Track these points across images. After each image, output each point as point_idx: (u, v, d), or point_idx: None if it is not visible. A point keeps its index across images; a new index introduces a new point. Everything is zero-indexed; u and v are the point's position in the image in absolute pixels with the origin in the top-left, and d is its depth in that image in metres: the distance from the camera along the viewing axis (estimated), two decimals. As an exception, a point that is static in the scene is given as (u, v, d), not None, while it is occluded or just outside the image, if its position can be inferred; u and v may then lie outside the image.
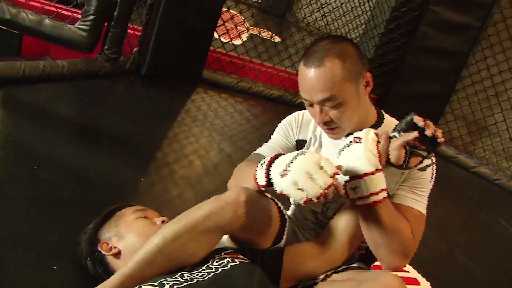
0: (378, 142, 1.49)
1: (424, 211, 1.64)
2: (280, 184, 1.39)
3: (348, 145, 1.49)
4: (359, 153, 1.46)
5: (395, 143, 1.48)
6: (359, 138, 1.48)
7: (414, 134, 1.44)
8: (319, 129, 1.76)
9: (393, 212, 1.53)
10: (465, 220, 3.73)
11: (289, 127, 1.82)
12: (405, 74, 4.61)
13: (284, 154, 1.47)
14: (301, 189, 1.35)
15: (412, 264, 2.58)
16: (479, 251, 3.23)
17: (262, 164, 1.48)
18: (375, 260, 1.89)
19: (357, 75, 1.58)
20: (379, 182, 1.46)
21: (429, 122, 1.45)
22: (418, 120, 1.44)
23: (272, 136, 1.86)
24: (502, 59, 4.68)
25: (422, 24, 4.44)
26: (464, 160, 4.74)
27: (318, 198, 1.34)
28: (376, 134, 1.51)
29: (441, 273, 2.73)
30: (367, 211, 1.50)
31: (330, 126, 1.62)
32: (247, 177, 1.55)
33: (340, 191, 1.40)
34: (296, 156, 1.40)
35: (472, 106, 4.87)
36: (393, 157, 1.49)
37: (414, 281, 2.47)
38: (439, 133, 1.44)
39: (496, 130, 4.79)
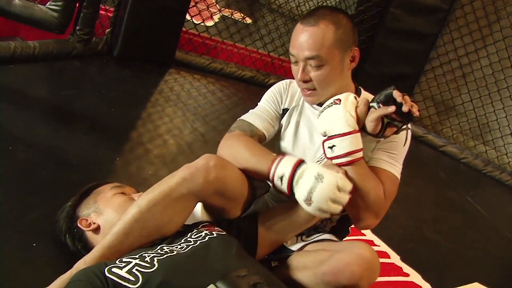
0: (357, 106, 1.57)
1: (397, 174, 1.70)
2: (306, 208, 1.50)
3: (328, 106, 1.57)
4: (338, 113, 1.54)
5: (372, 115, 1.55)
6: (338, 100, 1.56)
7: (392, 108, 1.51)
8: (302, 99, 1.81)
9: (367, 172, 1.61)
10: (433, 197, 3.83)
11: (278, 95, 1.85)
12: (376, 55, 4.65)
13: (302, 164, 1.55)
14: (325, 211, 1.48)
15: (382, 239, 2.66)
16: (446, 226, 3.32)
17: (281, 178, 1.55)
18: (347, 233, 1.96)
19: (346, 45, 1.65)
20: (355, 142, 1.54)
21: (406, 98, 1.51)
22: (397, 95, 1.51)
23: (259, 104, 1.87)
24: (469, 41, 4.76)
25: (392, 6, 4.47)
26: (432, 139, 4.83)
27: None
28: (355, 98, 1.59)
29: (410, 247, 2.81)
30: (344, 169, 1.56)
31: (308, 87, 1.68)
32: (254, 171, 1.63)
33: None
34: (316, 182, 1.47)
35: (440, 87, 4.95)
36: (369, 127, 1.57)
37: (385, 255, 2.55)
38: (414, 108, 1.51)
39: (463, 110, 4.89)
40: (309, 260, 1.62)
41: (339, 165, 1.56)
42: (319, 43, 1.61)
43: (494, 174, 4.59)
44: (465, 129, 4.92)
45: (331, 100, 1.59)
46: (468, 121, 4.88)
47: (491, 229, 3.57)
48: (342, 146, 1.53)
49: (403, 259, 2.57)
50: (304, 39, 1.63)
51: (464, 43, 4.77)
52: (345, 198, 1.49)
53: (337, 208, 1.48)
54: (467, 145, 4.88)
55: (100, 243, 1.46)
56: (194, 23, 4.30)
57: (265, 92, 1.90)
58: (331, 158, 1.57)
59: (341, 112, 1.54)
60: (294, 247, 1.72)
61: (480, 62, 4.74)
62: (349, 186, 1.50)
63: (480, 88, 4.77)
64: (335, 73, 1.66)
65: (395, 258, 2.56)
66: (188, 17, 4.15)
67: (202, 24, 4.36)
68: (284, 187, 1.55)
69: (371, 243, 2.56)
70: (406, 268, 2.51)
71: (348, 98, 1.57)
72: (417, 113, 1.51)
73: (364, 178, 1.59)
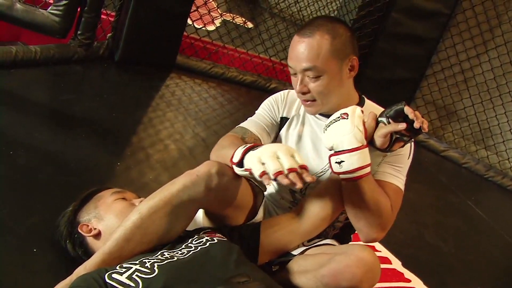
0: (364, 120, 1.56)
1: (401, 187, 1.71)
2: (247, 158, 1.43)
3: (335, 120, 1.55)
4: (346, 128, 1.52)
5: (382, 130, 1.55)
6: (346, 114, 1.54)
7: (403, 126, 1.51)
8: (303, 108, 1.81)
9: (375, 187, 1.60)
10: (435, 202, 3.82)
11: (274, 104, 1.86)
12: (377, 60, 4.65)
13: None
14: (262, 164, 1.38)
15: (384, 244, 2.65)
16: (447, 231, 3.32)
17: (244, 147, 1.49)
18: (349, 241, 1.96)
19: (343, 55, 1.64)
20: (363, 157, 1.52)
21: (417, 114, 1.51)
22: (409, 111, 1.50)
23: (256, 112, 1.89)
24: (471, 45, 4.75)
25: (393, 10, 4.48)
26: (434, 144, 4.83)
27: (275, 174, 1.34)
28: (362, 112, 1.57)
29: (412, 252, 2.80)
30: (351, 185, 1.56)
31: (307, 98, 1.68)
32: (226, 157, 1.56)
33: (308, 179, 1.36)
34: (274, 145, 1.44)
35: (442, 92, 4.94)
36: (378, 142, 1.57)
37: (386, 260, 2.55)
38: (425, 124, 1.50)
39: (464, 115, 4.89)
40: (309, 263, 1.62)
41: (347, 180, 1.55)
42: (315, 54, 1.61)
43: (496, 179, 4.59)
44: (466, 134, 4.91)
45: (337, 114, 1.57)
46: (469, 126, 4.88)
47: (493, 234, 3.56)
48: (351, 161, 1.51)
49: (404, 265, 2.56)
50: (300, 51, 1.63)
51: (466, 48, 4.77)
52: (290, 161, 1.36)
53: (274, 165, 1.35)
54: (468, 150, 4.88)
55: (101, 249, 1.46)
56: (196, 27, 4.30)
57: (266, 97, 1.91)
58: (339, 173, 1.56)
59: (349, 127, 1.52)
60: (295, 252, 1.72)
61: (481, 67, 4.74)
62: (303, 161, 1.39)
63: (481, 93, 4.76)
64: (333, 83, 1.65)
65: (396, 264, 2.55)
66: (189, 21, 4.15)
67: (204, 28, 4.37)
68: (241, 150, 1.47)
69: (372, 248, 2.53)
70: (407, 273, 2.50)
71: (355, 112, 1.55)
72: (426, 129, 1.50)
73: (373, 193, 1.58)
